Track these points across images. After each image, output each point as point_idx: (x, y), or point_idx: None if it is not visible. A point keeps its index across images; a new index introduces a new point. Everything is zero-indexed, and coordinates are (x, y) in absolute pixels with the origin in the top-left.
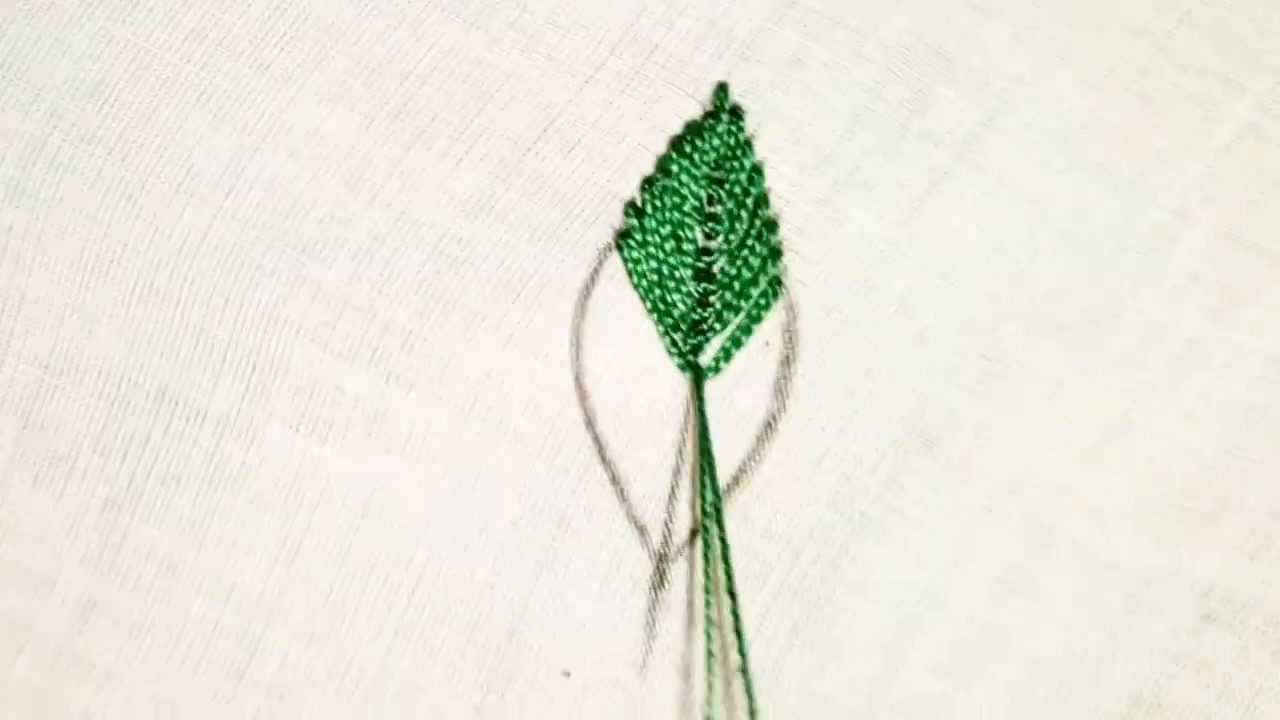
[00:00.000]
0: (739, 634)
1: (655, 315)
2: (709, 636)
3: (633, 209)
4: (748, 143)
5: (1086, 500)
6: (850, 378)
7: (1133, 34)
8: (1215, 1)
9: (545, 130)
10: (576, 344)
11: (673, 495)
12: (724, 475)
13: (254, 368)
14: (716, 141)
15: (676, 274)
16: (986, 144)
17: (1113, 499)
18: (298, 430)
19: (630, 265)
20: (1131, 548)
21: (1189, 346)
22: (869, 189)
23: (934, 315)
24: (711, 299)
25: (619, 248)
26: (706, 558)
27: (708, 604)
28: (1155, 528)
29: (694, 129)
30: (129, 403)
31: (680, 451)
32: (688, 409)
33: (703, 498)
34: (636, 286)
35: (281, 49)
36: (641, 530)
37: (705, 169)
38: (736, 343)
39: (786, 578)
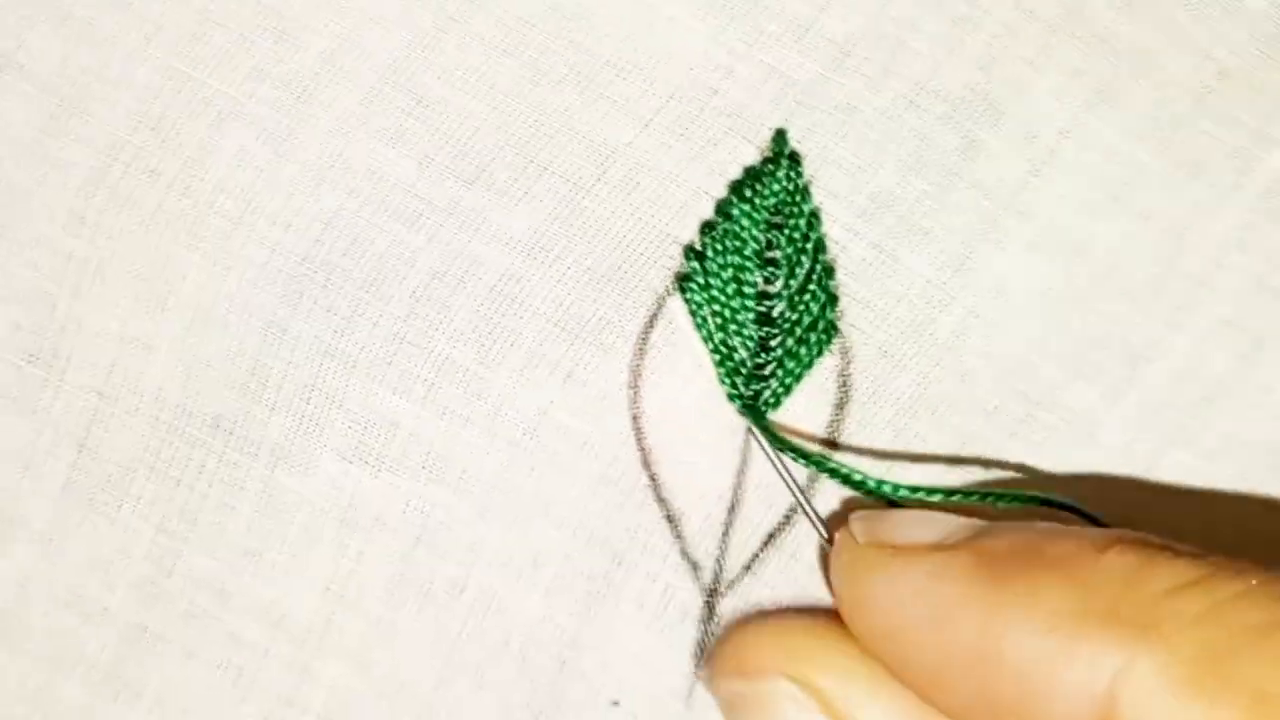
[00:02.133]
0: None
1: (717, 358)
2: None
3: (693, 252)
4: (806, 188)
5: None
6: (898, 419)
7: (1173, 87)
8: (1250, 57)
9: (604, 172)
10: (634, 385)
11: (726, 532)
12: (775, 515)
13: (309, 400)
14: (776, 186)
15: (738, 318)
16: (1033, 192)
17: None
18: (351, 462)
19: (692, 308)
20: None
21: (1218, 388)
22: (922, 235)
23: (979, 357)
24: (772, 344)
25: (680, 290)
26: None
27: None
28: None
29: (753, 174)
30: (184, 431)
31: (735, 490)
32: (743, 450)
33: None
34: (699, 329)
35: (342, 87)
36: (694, 566)
37: (765, 214)
38: (788, 388)
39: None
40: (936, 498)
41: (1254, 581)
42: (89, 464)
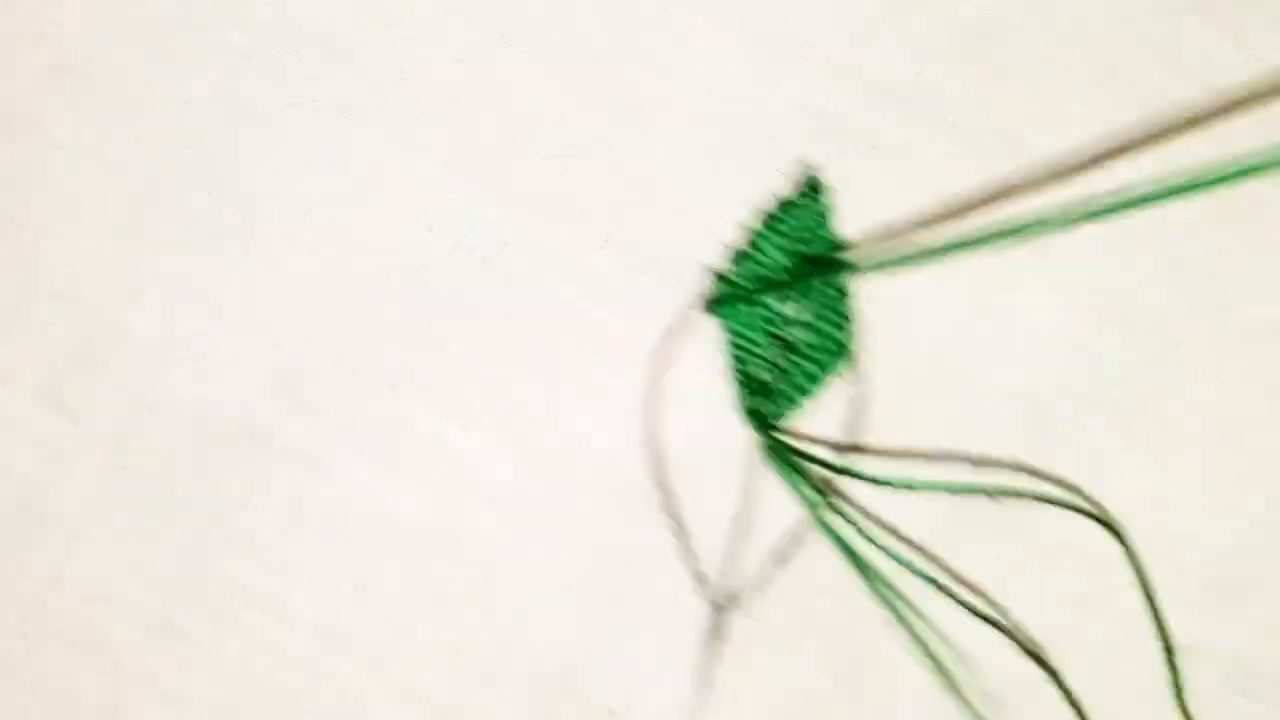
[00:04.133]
0: None
1: (735, 377)
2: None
3: (717, 275)
4: (831, 218)
5: (1124, 569)
6: (910, 446)
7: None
8: None
9: (634, 194)
10: (651, 399)
11: (734, 549)
12: (783, 532)
13: (340, 410)
14: (803, 216)
15: (756, 339)
16: (1053, 229)
17: (1150, 571)
18: (377, 471)
19: (713, 329)
20: (1167, 617)
21: (1233, 428)
22: (940, 267)
23: (993, 389)
24: (787, 364)
25: (703, 310)
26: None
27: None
28: (1189, 600)
29: (781, 203)
30: (215, 434)
31: (746, 508)
32: (753, 468)
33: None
34: (720, 350)
35: (387, 108)
36: (702, 581)
37: (790, 241)
38: (800, 407)
39: (839, 634)
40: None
41: None
42: (124, 462)
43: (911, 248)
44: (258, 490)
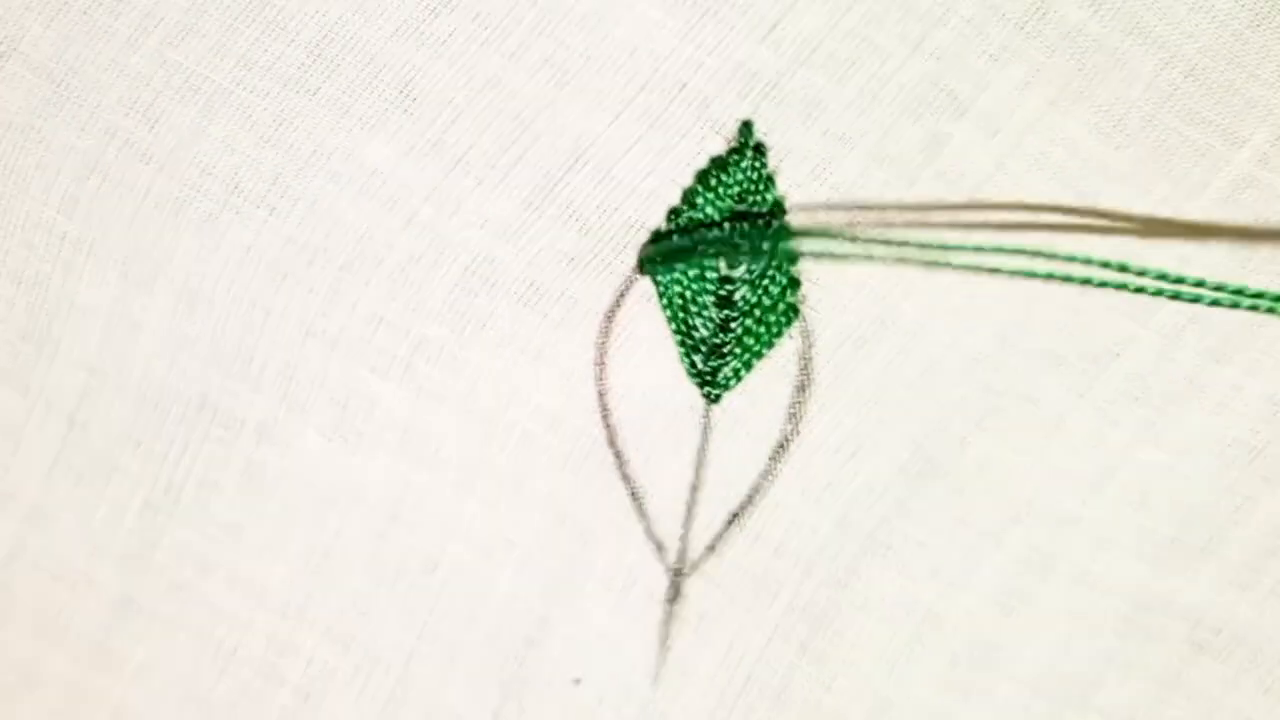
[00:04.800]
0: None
1: (678, 338)
2: None
3: (658, 237)
4: (770, 178)
5: (1085, 529)
6: (861, 404)
7: (1140, 85)
8: (1220, 57)
9: (576, 161)
10: (601, 363)
11: (689, 512)
12: (737, 494)
13: (291, 379)
14: (740, 176)
15: (699, 300)
16: (997, 186)
17: (1110, 529)
18: (331, 440)
19: (657, 290)
20: (1127, 575)
21: (1187, 384)
22: (885, 225)
23: (943, 348)
24: (732, 324)
25: (645, 273)
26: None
27: None
28: (1150, 557)
29: (718, 163)
30: (170, 409)
31: (697, 469)
32: (704, 427)
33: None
34: (663, 310)
35: (327, 77)
36: (658, 545)
37: (729, 202)
38: (749, 365)
39: (796, 595)
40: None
41: None
42: (78, 439)
43: (850, 236)
44: (213, 463)
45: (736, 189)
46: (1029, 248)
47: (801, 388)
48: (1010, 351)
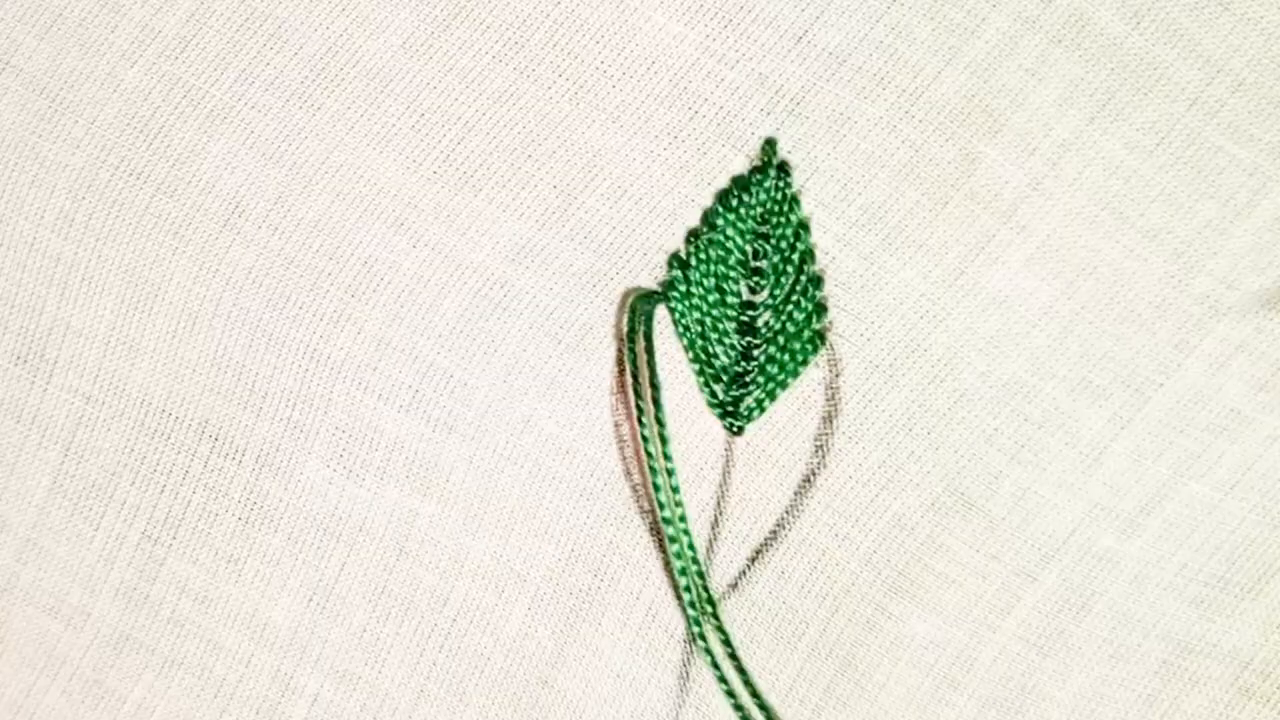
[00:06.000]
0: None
1: (697, 366)
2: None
3: (677, 261)
4: (795, 198)
5: (1125, 566)
6: (892, 436)
7: (1184, 101)
8: (1268, 71)
9: (591, 179)
10: (617, 391)
11: (710, 547)
12: (761, 530)
13: (294, 406)
14: (763, 196)
15: (720, 326)
16: (1033, 206)
17: (1152, 567)
18: (335, 470)
19: (674, 316)
20: (1169, 615)
21: (1232, 417)
22: (916, 247)
23: (977, 376)
24: (755, 352)
25: (663, 298)
26: (709, 653)
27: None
28: (1194, 597)
29: (741, 183)
30: (169, 436)
31: (719, 503)
32: (726, 461)
33: (691, 594)
34: (680, 337)
35: (331, 92)
36: (678, 583)
37: (751, 223)
38: (773, 395)
39: (822, 635)
40: None
41: None
42: (74, 468)
43: None
44: (213, 493)
45: (759, 210)
46: None
47: (828, 418)
48: (1047, 380)
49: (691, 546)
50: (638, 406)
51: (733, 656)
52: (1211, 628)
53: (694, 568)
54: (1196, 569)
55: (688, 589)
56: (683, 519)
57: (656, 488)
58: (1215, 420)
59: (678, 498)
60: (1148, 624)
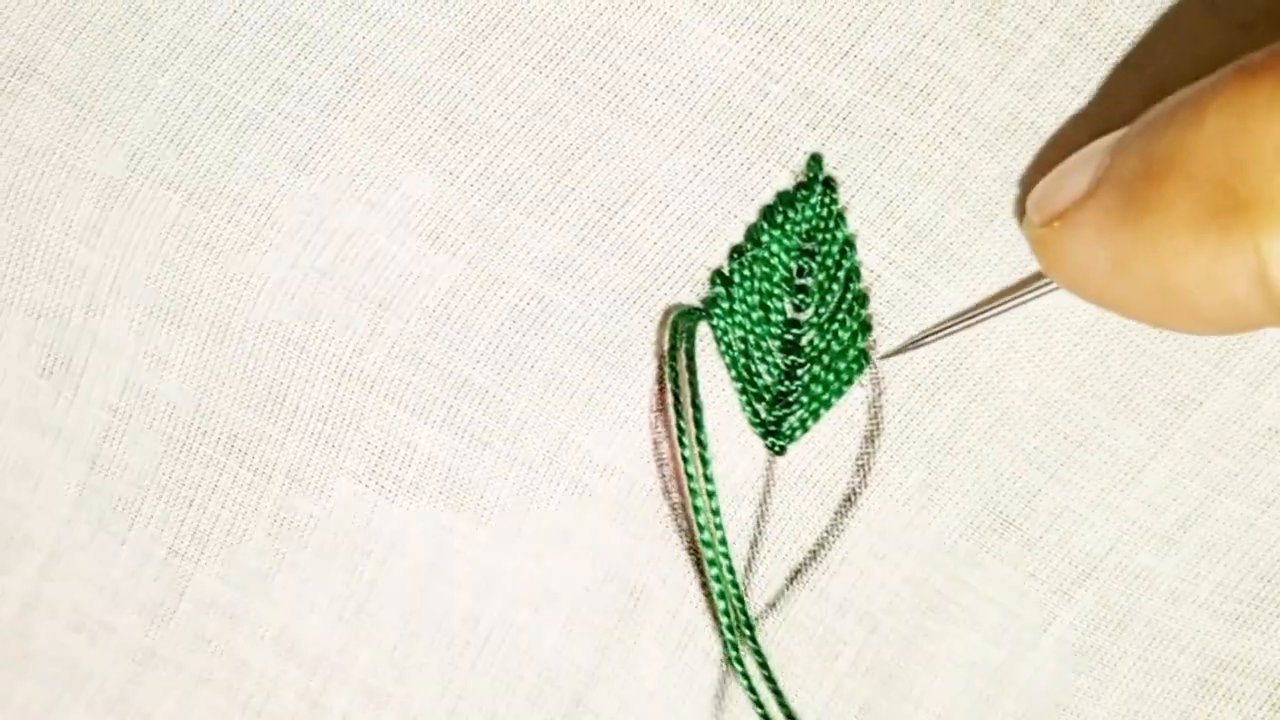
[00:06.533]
0: None
1: (739, 385)
2: None
3: (720, 277)
4: (840, 215)
5: (1162, 584)
6: (933, 455)
7: None
8: None
9: (633, 194)
10: (657, 409)
11: (749, 566)
12: (800, 549)
13: (325, 420)
14: (809, 213)
15: (763, 344)
16: None
17: (1188, 584)
18: (367, 486)
19: (717, 334)
20: (1205, 632)
21: (1269, 435)
22: (960, 266)
23: (1018, 395)
24: (799, 371)
25: (705, 315)
26: (745, 677)
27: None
28: (1230, 614)
29: (786, 199)
30: (197, 450)
31: (758, 522)
32: (767, 480)
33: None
34: (723, 355)
35: (366, 102)
36: (715, 602)
37: (796, 240)
38: (816, 415)
39: (860, 654)
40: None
41: None
42: (100, 482)
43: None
44: (241, 509)
45: (805, 226)
46: None
47: (871, 438)
48: (1087, 398)
49: (731, 569)
50: (678, 426)
51: (769, 680)
52: (1247, 644)
53: (733, 591)
54: (1232, 586)
55: (726, 612)
56: (723, 541)
57: (697, 509)
58: (1253, 439)
59: (718, 520)
60: (1183, 641)
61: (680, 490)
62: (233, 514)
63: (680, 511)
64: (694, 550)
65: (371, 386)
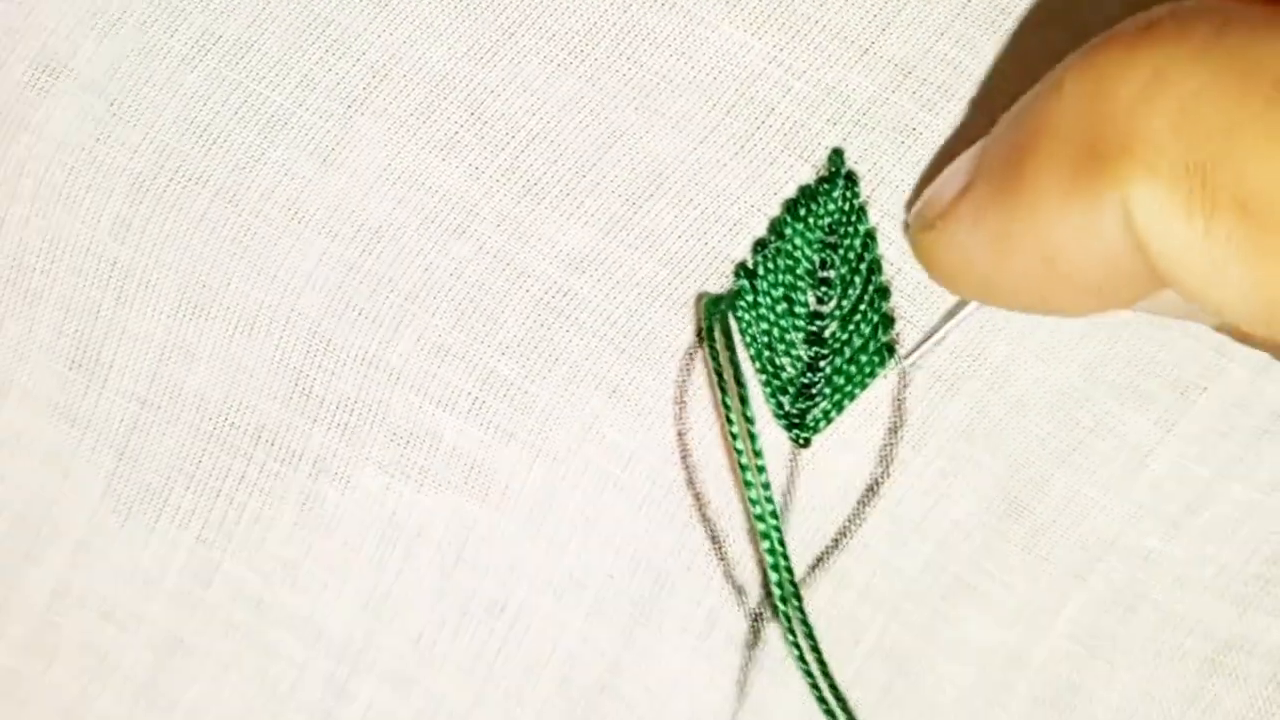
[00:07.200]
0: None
1: (764, 376)
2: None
3: (744, 270)
4: (862, 208)
5: (1169, 567)
6: (953, 444)
7: None
8: None
9: (657, 188)
10: (681, 401)
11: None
12: (823, 539)
13: (352, 411)
14: (831, 206)
15: (787, 337)
16: None
17: (1194, 567)
18: (393, 476)
19: (741, 326)
20: (1211, 615)
21: (1273, 419)
22: None
23: (1032, 383)
24: (822, 364)
25: (729, 308)
26: (792, 633)
27: (807, 672)
28: (1236, 596)
29: (808, 193)
30: (225, 440)
31: (783, 513)
32: (791, 471)
33: (779, 576)
34: (747, 347)
35: (394, 98)
36: (738, 589)
37: (819, 233)
38: (840, 407)
39: (880, 639)
40: None
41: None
42: (128, 472)
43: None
44: (268, 498)
45: (827, 220)
46: None
47: (894, 429)
48: (1097, 385)
49: (782, 542)
50: (724, 403)
51: (815, 649)
52: (1253, 626)
53: (784, 562)
54: (1238, 569)
55: (779, 584)
56: (774, 514)
57: (748, 484)
58: (1257, 423)
59: (768, 494)
60: (1190, 623)
61: (701, 481)
62: (260, 503)
63: (705, 500)
64: (716, 539)
65: (397, 378)
